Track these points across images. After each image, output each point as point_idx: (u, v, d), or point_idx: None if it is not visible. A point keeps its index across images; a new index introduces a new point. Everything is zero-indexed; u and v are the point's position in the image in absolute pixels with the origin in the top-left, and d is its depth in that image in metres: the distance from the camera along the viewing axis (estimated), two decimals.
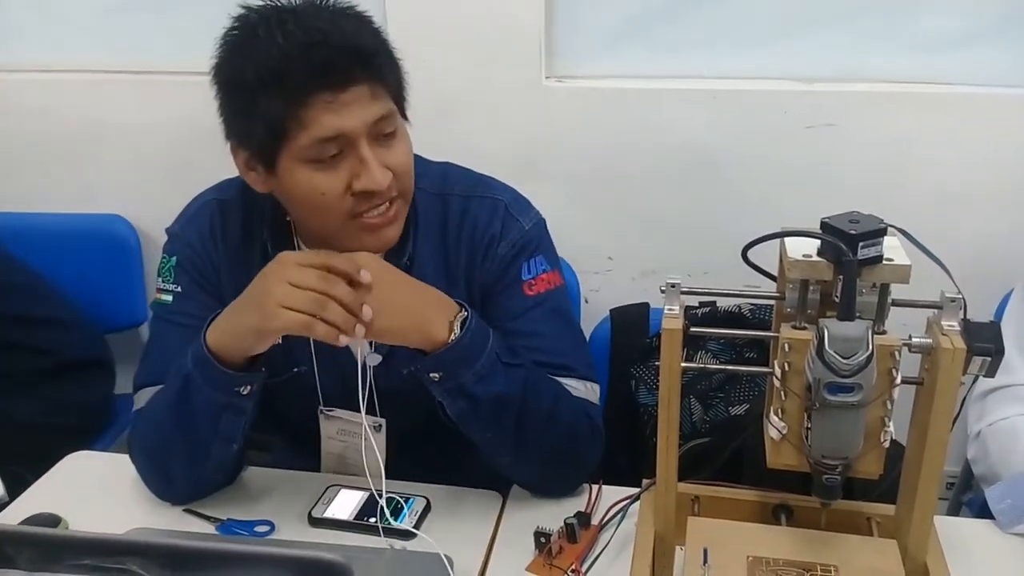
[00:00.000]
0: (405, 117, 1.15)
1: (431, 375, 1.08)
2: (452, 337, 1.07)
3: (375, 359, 1.19)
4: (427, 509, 1.17)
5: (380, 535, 1.12)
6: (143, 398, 1.21)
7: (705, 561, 0.90)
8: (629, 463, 1.46)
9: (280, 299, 1.00)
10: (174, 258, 1.24)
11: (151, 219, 2.09)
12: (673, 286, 0.92)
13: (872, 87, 1.77)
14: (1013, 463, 1.28)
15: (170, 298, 1.23)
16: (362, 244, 1.11)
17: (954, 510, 1.76)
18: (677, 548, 1.02)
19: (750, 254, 0.90)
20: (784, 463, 0.92)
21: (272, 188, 1.13)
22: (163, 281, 1.24)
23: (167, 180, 2.07)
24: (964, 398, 0.93)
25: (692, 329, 0.92)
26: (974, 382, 0.88)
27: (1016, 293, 1.41)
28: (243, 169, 1.14)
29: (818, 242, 0.86)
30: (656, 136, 1.84)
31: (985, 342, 0.85)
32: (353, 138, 1.06)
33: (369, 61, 1.06)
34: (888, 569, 0.89)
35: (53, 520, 1.13)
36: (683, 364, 0.92)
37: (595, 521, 1.13)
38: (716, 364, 1.44)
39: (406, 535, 1.11)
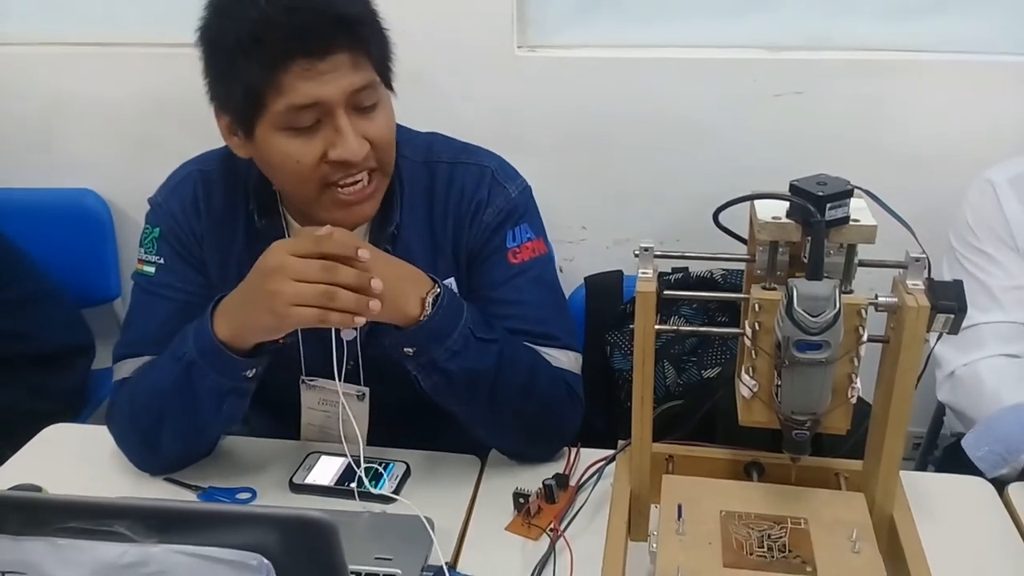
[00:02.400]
0: (391, 88, 1.14)
1: (405, 350, 1.08)
2: (424, 314, 1.07)
3: (350, 334, 1.19)
4: (407, 474, 1.18)
5: (360, 500, 1.13)
6: (125, 368, 1.21)
7: (679, 516, 0.92)
8: (605, 426, 1.48)
9: (290, 298, 0.99)
10: (157, 229, 1.24)
11: (123, 193, 2.08)
12: (646, 250, 0.94)
13: (839, 55, 1.79)
14: (982, 408, 1.31)
15: (152, 269, 1.23)
16: (335, 219, 1.10)
17: (921, 470, 1.81)
18: (652, 506, 1.05)
19: (721, 218, 0.92)
20: (755, 420, 0.95)
21: (251, 154, 1.13)
22: (145, 252, 1.24)
23: (138, 153, 2.05)
24: (928, 355, 0.96)
25: (665, 292, 0.94)
26: (938, 339, 0.91)
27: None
28: (225, 133, 1.14)
29: (787, 204, 0.87)
30: (627, 105, 1.85)
31: (948, 300, 0.87)
32: (331, 107, 1.05)
33: (351, 29, 1.05)
34: (856, 521, 0.92)
35: (34, 490, 1.13)
36: (657, 327, 0.94)
37: (572, 482, 1.15)
38: (687, 328, 1.47)
39: (386, 499, 1.13)
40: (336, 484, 1.16)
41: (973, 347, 1.36)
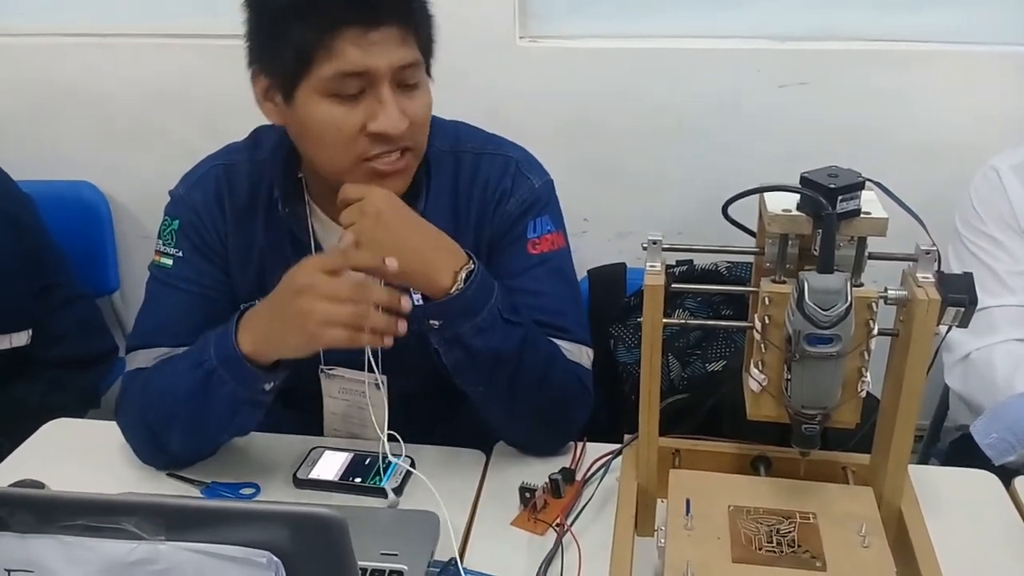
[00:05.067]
0: (429, 75, 1.14)
1: (430, 322, 1.08)
2: (456, 288, 1.06)
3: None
4: (412, 468, 1.18)
5: (365, 495, 1.13)
6: (138, 359, 1.20)
7: (687, 511, 0.92)
8: (608, 420, 1.48)
9: (322, 318, 0.99)
10: (176, 221, 1.22)
11: (121, 185, 2.07)
12: (655, 243, 0.93)
13: (844, 45, 1.78)
14: (993, 394, 1.31)
15: (170, 262, 1.22)
16: None
17: (923, 463, 1.80)
18: (659, 501, 1.04)
19: (729, 210, 0.92)
20: (764, 415, 0.94)
21: (287, 121, 1.12)
22: (163, 244, 1.23)
23: (136, 146, 2.04)
24: (938, 348, 0.95)
25: (673, 285, 0.93)
26: (947, 332, 0.90)
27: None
28: (260, 98, 1.13)
29: (797, 197, 0.87)
30: (630, 96, 1.85)
31: (959, 293, 0.87)
32: (376, 78, 1.06)
33: (405, 4, 1.07)
34: (865, 515, 0.92)
35: (37, 487, 1.12)
36: (664, 320, 0.93)
37: (579, 477, 1.15)
38: (695, 321, 1.46)
39: (391, 494, 1.13)
40: (340, 479, 1.16)
41: (986, 331, 1.36)
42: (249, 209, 1.22)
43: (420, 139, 1.14)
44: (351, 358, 1.14)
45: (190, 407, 1.11)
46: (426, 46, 1.12)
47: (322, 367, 1.25)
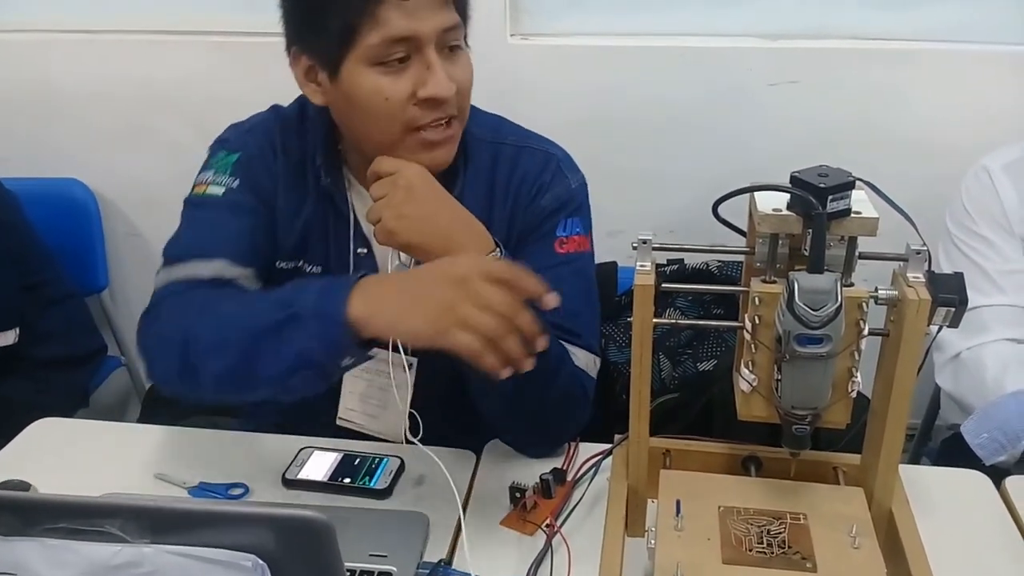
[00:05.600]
0: (466, 42, 1.14)
1: None
2: None
3: (401, 269, 1.14)
4: (400, 469, 1.17)
5: (355, 495, 1.12)
6: (184, 270, 1.12)
7: (678, 512, 0.92)
8: (599, 420, 1.47)
9: (461, 318, 0.92)
10: (235, 155, 1.19)
11: (110, 182, 2.06)
12: (645, 242, 0.92)
13: (835, 43, 1.78)
14: (983, 394, 1.31)
15: (221, 191, 1.16)
16: (417, 160, 1.09)
17: (914, 461, 1.81)
18: (649, 501, 1.04)
19: (718, 209, 0.91)
20: (755, 415, 0.94)
21: (331, 100, 1.12)
22: (215, 173, 1.17)
23: (124, 143, 2.03)
24: (928, 348, 0.95)
25: (664, 285, 0.93)
26: (938, 332, 0.90)
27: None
28: (302, 80, 1.13)
29: (787, 196, 0.86)
30: (621, 95, 1.84)
31: (950, 293, 0.86)
32: (422, 43, 1.05)
33: None
34: (856, 515, 0.91)
35: (23, 487, 1.11)
36: (654, 320, 0.93)
37: (569, 477, 1.14)
38: (686, 320, 1.46)
39: (381, 494, 1.12)
40: (330, 479, 1.15)
41: (977, 331, 1.36)
42: (299, 173, 1.20)
43: (465, 105, 1.13)
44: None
45: (250, 345, 1.00)
46: (463, 10, 1.12)
47: None
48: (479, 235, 1.09)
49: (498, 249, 1.09)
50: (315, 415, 1.25)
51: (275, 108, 1.25)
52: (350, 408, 1.26)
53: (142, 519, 0.65)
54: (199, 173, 1.20)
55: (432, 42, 1.06)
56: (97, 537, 0.65)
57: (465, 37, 1.13)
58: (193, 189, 1.20)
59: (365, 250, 1.21)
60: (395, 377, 1.11)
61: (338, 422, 1.26)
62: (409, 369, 1.16)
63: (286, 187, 1.20)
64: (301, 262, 1.22)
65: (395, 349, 1.07)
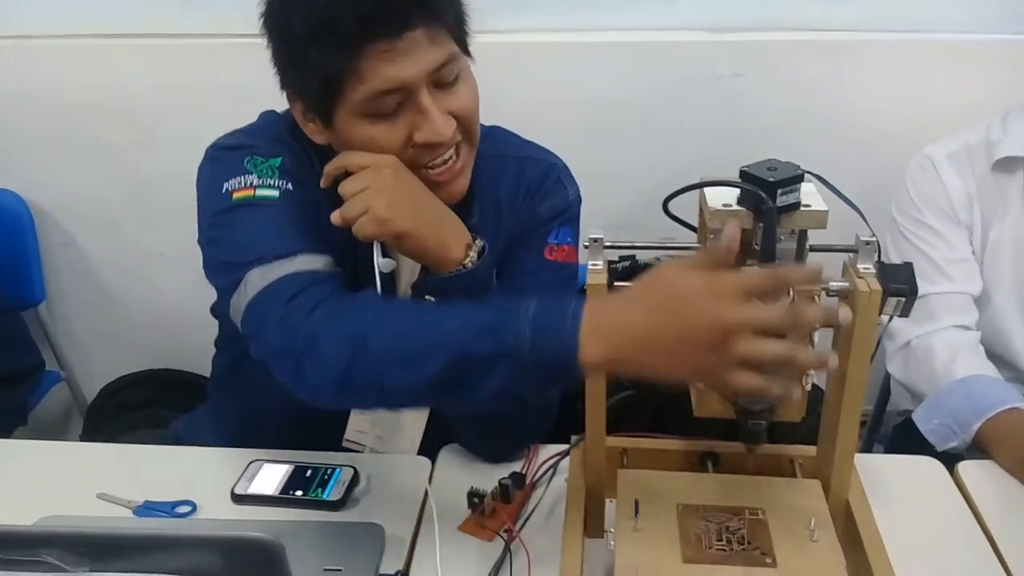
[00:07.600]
0: (468, 54, 1.08)
1: (427, 298, 1.03)
2: (469, 260, 1.03)
3: (389, 264, 1.06)
4: (355, 479, 1.14)
5: (307, 508, 1.09)
6: (278, 270, 0.99)
7: (636, 512, 0.91)
8: (558, 420, 1.46)
9: (743, 359, 0.75)
10: (279, 159, 1.08)
11: (43, 192, 1.99)
12: (596, 241, 0.92)
13: (780, 35, 1.79)
14: (934, 381, 1.33)
15: (276, 193, 1.05)
16: (432, 191, 1.05)
17: (867, 448, 1.83)
18: (608, 501, 1.03)
19: (668, 205, 0.90)
20: (711, 411, 0.93)
21: (331, 141, 1.07)
22: (261, 177, 1.06)
23: (59, 151, 1.96)
24: (879, 338, 0.95)
25: (616, 283, 0.92)
26: (888, 321, 0.91)
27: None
28: (301, 120, 1.07)
29: (737, 191, 0.86)
30: (568, 91, 1.83)
31: (900, 283, 0.87)
32: (413, 88, 0.99)
33: (424, 2, 0.98)
34: (813, 508, 0.91)
35: None
36: None
37: (528, 480, 1.13)
38: None
39: (335, 506, 1.09)
40: (280, 493, 1.12)
41: (925, 319, 1.37)
42: (314, 184, 1.09)
43: (472, 127, 1.08)
44: None
45: (449, 374, 0.86)
46: (459, 32, 1.05)
47: None
48: (459, 225, 1.06)
49: (475, 242, 1.05)
50: (319, 437, 1.21)
51: (273, 113, 1.17)
52: (359, 431, 1.23)
53: (80, 547, 0.62)
54: (229, 179, 1.06)
55: (423, 87, 1.00)
56: (33, 567, 0.62)
57: (467, 51, 1.07)
58: (233, 195, 1.06)
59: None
60: None
61: (345, 443, 1.24)
62: None
63: (314, 188, 1.10)
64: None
65: None
